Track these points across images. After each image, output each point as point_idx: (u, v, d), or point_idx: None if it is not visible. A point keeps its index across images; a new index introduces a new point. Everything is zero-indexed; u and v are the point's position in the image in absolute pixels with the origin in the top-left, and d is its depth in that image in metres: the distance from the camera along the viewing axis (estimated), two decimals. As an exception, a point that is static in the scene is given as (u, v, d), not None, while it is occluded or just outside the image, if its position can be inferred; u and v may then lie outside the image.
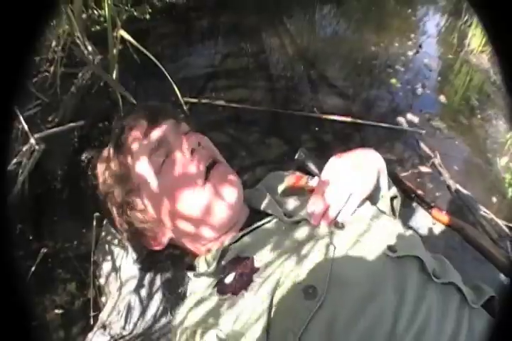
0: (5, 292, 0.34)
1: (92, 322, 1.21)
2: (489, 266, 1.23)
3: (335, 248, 0.85)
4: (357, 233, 0.90)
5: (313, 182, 1.09)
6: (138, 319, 1.07)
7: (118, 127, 1.02)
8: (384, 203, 1.07)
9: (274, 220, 0.97)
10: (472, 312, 0.84)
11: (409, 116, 2.46)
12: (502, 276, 1.51)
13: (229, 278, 0.87)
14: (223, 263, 0.92)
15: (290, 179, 1.17)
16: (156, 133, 0.98)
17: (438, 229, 1.45)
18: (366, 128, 2.31)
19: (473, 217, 1.90)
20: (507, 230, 1.90)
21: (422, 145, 2.25)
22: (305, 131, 2.16)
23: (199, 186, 0.94)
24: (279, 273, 0.82)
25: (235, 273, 0.87)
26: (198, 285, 0.94)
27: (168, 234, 1.02)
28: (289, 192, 1.12)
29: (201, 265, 0.98)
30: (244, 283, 0.84)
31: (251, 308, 0.79)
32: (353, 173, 0.96)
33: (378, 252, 0.85)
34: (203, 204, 0.94)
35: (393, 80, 2.77)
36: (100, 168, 1.06)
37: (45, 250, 1.46)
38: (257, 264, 0.86)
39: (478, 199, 2.03)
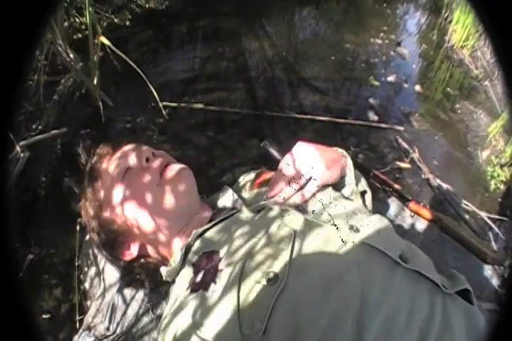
0: (5, 294, 0.35)
1: (78, 326, 1.22)
2: (470, 256, 1.25)
3: (295, 233, 0.86)
4: (319, 217, 0.92)
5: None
6: (121, 319, 1.08)
7: (88, 158, 1.15)
8: (355, 199, 1.10)
9: (237, 213, 1.00)
10: (446, 297, 0.84)
11: (371, 100, 2.51)
12: (483, 266, 1.53)
13: (199, 276, 0.88)
14: (191, 262, 0.94)
15: (257, 176, 1.20)
16: (118, 153, 1.08)
17: (416, 221, 1.47)
18: (346, 126, 2.33)
19: (454, 210, 1.93)
20: (489, 222, 1.93)
21: (401, 141, 2.27)
22: (285, 131, 2.17)
23: (155, 187, 1.00)
24: (243, 261, 0.83)
25: (204, 269, 0.88)
26: (176, 287, 0.96)
27: (138, 241, 1.07)
28: (255, 187, 1.14)
29: (172, 262, 1.00)
30: (211, 275, 0.85)
31: (221, 300, 0.79)
32: (315, 158, 0.98)
33: (341, 235, 0.87)
34: (162, 201, 0.99)
35: (372, 78, 2.80)
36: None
37: (32, 256, 1.47)
38: (221, 255, 0.88)
39: (460, 192, 2.05)
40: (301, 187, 0.99)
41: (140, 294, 1.09)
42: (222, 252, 0.89)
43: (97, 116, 1.99)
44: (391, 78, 2.85)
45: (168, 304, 0.95)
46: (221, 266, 0.85)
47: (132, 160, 1.04)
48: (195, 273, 0.90)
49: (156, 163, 1.04)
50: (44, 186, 1.72)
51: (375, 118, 2.45)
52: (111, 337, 1.06)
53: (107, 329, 1.08)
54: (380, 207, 1.58)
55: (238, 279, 0.80)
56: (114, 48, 1.93)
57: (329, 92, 2.60)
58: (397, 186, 1.44)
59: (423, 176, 2.09)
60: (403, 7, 4.14)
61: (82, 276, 1.31)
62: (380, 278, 0.79)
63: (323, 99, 2.52)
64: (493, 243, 1.82)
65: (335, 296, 0.75)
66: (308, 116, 2.29)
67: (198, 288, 0.85)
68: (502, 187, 2.19)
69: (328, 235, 0.87)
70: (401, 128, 2.39)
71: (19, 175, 1.57)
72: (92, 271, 1.27)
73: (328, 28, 3.41)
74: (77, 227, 1.30)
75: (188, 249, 0.97)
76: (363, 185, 1.15)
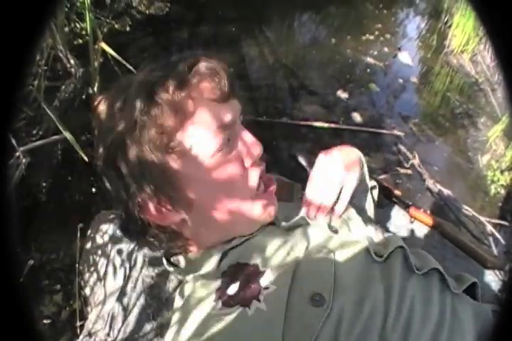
0: (5, 299, 0.35)
1: (78, 332, 1.22)
2: (470, 261, 1.25)
3: (334, 253, 0.85)
4: (347, 236, 0.91)
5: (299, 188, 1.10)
6: (122, 325, 1.08)
7: (192, 56, 0.84)
8: (367, 196, 1.10)
9: (271, 225, 0.95)
10: (454, 297, 0.85)
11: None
12: (483, 271, 1.53)
13: (233, 288, 0.82)
14: (222, 269, 0.87)
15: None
16: (229, 110, 0.83)
17: (416, 227, 1.47)
18: (346, 133, 2.34)
19: (455, 216, 1.93)
20: (489, 226, 1.93)
21: (401, 147, 2.28)
22: (285, 139, 2.17)
23: (248, 197, 0.87)
24: (288, 279, 0.80)
25: (240, 282, 0.82)
26: (193, 293, 0.88)
27: (185, 216, 0.86)
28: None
29: (189, 263, 0.92)
30: (253, 291, 0.80)
31: (266, 320, 0.76)
32: (342, 168, 0.97)
33: (366, 256, 0.87)
34: (242, 214, 0.87)
35: (372, 85, 2.81)
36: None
37: (32, 262, 1.47)
38: (262, 269, 0.83)
39: (460, 197, 2.06)
40: (335, 197, 0.98)
41: (141, 300, 1.09)
42: (263, 267, 0.84)
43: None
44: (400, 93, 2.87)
45: (183, 310, 0.87)
46: (264, 282, 0.81)
47: (238, 145, 0.85)
48: (226, 284, 0.83)
49: (261, 173, 0.89)
50: (45, 191, 1.72)
51: (359, 119, 2.46)
52: (112, 344, 1.06)
53: (108, 335, 1.08)
54: (379, 213, 1.58)
55: (286, 299, 0.77)
56: (114, 54, 1.94)
57: (330, 99, 2.61)
58: (397, 192, 1.44)
59: (423, 182, 2.10)
60: (403, 12, 4.15)
61: (82, 282, 1.31)
62: (397, 290, 0.80)
63: (324, 106, 2.53)
64: (493, 247, 1.82)
65: (365, 312, 0.75)
66: (309, 123, 2.30)
67: (235, 302, 0.79)
68: (502, 191, 2.20)
69: (359, 255, 0.87)
70: (401, 133, 2.39)
71: (20, 181, 1.57)
72: (93, 277, 1.27)
73: (328, 33, 3.41)
74: (78, 233, 1.30)
75: (224, 254, 0.88)
76: (373, 181, 1.15)
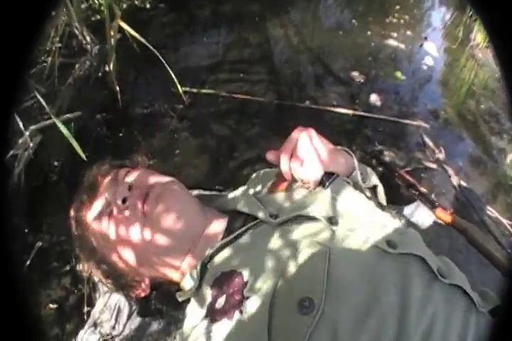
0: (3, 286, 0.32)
1: (86, 318, 1.20)
2: (493, 269, 1.21)
3: (329, 249, 0.76)
4: (351, 230, 0.82)
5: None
6: (127, 320, 1.05)
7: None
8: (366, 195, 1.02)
9: (259, 223, 0.88)
10: (479, 316, 0.77)
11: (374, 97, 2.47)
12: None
13: (220, 302, 0.78)
14: (209, 283, 0.84)
15: (278, 177, 1.09)
16: (94, 202, 0.95)
17: (442, 228, 1.42)
18: (370, 122, 2.29)
19: (477, 216, 1.88)
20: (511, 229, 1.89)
21: (427, 140, 2.22)
22: (308, 124, 2.13)
23: (142, 226, 0.89)
24: (272, 285, 0.74)
25: (226, 295, 0.78)
26: (191, 310, 0.86)
27: (146, 277, 0.98)
28: (276, 190, 1.04)
29: (184, 284, 0.91)
30: (236, 302, 0.75)
31: (248, 331, 0.71)
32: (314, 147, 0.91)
33: (376, 249, 0.78)
34: (156, 237, 0.89)
35: (398, 73, 2.74)
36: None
37: (41, 243, 1.44)
38: (246, 278, 0.78)
39: (483, 196, 2.01)
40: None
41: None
42: (246, 274, 0.78)
43: (114, 100, 1.95)
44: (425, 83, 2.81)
45: (184, 330, 0.85)
46: (247, 291, 0.75)
47: (109, 206, 0.93)
48: (215, 298, 0.80)
49: (134, 202, 0.91)
50: (56, 170, 1.69)
51: (378, 103, 2.41)
52: (116, 338, 1.03)
53: (113, 328, 1.05)
54: (406, 212, 1.54)
55: (268, 308, 0.71)
56: (133, 32, 1.89)
57: (354, 84, 2.56)
58: (422, 189, 1.39)
59: (448, 177, 2.05)
60: (429, 1, 4.08)
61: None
62: (418, 296, 0.73)
63: (349, 92, 2.48)
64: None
65: (372, 321, 0.68)
66: (333, 109, 2.25)
67: (221, 316, 0.76)
68: (525, 192, 2.15)
69: (362, 250, 0.78)
70: (427, 125, 2.34)
71: (30, 160, 1.54)
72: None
73: (352, 18, 3.34)
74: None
75: (203, 267, 0.87)
76: (374, 180, 1.07)
